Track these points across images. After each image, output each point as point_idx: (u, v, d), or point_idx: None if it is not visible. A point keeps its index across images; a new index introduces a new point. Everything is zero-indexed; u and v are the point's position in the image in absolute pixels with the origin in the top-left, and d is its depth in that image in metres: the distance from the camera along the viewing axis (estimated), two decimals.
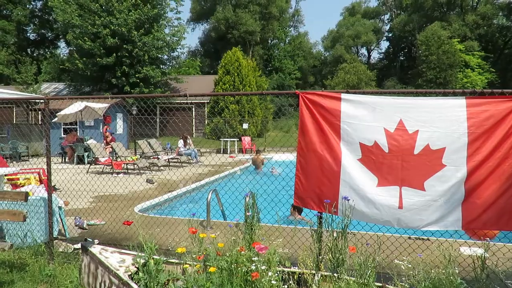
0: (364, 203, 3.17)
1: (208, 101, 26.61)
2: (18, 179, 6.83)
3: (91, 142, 14.04)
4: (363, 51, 53.65)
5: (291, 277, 2.95)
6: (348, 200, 3.10)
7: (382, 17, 53.56)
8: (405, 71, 44.08)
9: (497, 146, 2.86)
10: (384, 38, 51.67)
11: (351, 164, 3.22)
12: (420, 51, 37.36)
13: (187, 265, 2.81)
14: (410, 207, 3.06)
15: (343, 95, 3.25)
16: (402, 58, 49.58)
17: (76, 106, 13.52)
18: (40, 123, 21.93)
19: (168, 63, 28.34)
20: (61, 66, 29.99)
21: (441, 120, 2.97)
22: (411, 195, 3.06)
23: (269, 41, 47.31)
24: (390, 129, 3.10)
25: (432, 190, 3.01)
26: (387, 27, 51.63)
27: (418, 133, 3.03)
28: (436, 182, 3.00)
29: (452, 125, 2.94)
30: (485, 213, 2.91)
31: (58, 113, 13.65)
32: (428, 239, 4.77)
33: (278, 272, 2.70)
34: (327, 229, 3.08)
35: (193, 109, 27.51)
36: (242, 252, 2.76)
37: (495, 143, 2.86)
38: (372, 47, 52.77)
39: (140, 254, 2.81)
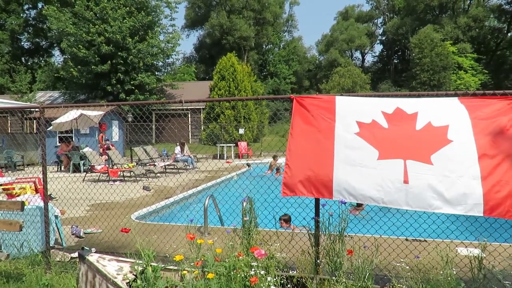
0: (364, 179, 2.84)
1: (204, 107, 26.62)
2: (13, 188, 6.77)
3: (86, 150, 13.98)
4: (357, 54, 54.09)
5: (289, 281, 2.95)
6: (345, 203, 2.97)
7: (375, 20, 54.03)
8: (399, 73, 44.42)
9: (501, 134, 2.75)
10: (378, 41, 52.06)
11: (348, 138, 2.96)
12: (413, 54, 37.66)
13: (185, 272, 2.80)
14: (418, 181, 2.71)
15: (338, 96, 3.26)
16: (396, 61, 49.95)
17: (72, 114, 13.47)
18: (35, 131, 21.84)
19: (163, 70, 28.37)
20: (55, 75, 29.98)
21: (439, 108, 2.97)
22: (418, 169, 2.73)
23: (264, 46, 47.51)
24: (387, 112, 2.97)
25: (440, 164, 2.71)
26: (381, 31, 52.10)
27: (418, 114, 2.91)
28: (444, 156, 2.73)
29: (452, 109, 2.89)
30: (509, 198, 2.62)
31: (54, 122, 13.59)
32: (425, 240, 4.79)
33: (277, 277, 2.70)
34: (324, 232, 3.08)
35: (189, 115, 27.50)
36: (240, 258, 2.76)
37: (498, 130, 2.76)
38: (366, 51, 53.14)
39: (137, 261, 2.80)
